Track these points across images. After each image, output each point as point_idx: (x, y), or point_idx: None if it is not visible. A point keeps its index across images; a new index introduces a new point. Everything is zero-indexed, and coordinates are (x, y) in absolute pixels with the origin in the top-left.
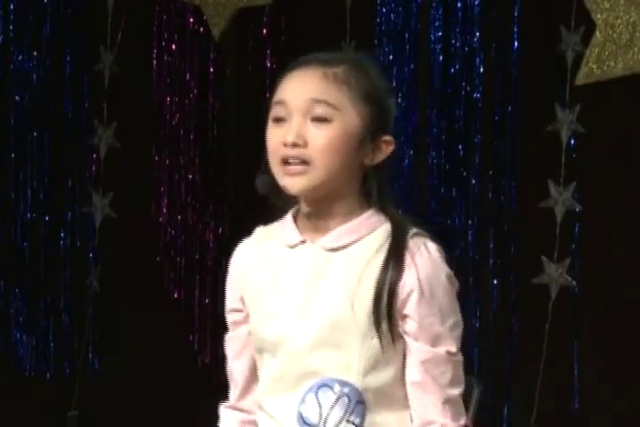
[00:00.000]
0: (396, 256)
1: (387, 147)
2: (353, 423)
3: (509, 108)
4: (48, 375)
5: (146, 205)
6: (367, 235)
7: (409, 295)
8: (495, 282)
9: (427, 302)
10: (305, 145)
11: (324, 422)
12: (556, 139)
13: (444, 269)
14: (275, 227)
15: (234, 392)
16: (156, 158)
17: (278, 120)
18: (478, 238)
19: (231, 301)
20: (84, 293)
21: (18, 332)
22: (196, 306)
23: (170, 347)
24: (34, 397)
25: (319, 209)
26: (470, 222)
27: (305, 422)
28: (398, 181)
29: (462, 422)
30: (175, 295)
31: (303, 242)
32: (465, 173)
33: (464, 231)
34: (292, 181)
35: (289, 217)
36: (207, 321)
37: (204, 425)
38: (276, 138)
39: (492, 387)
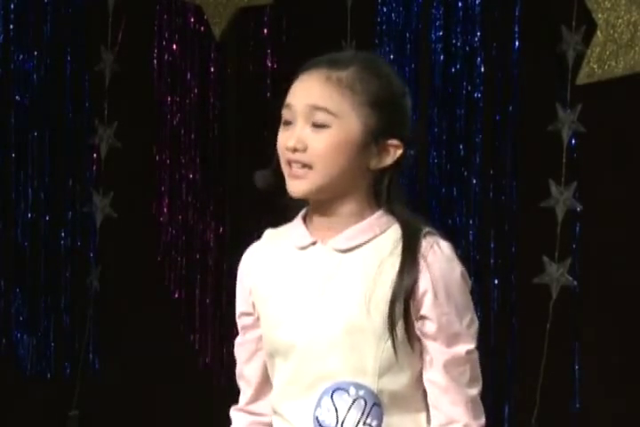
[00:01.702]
0: (409, 257)
1: (395, 151)
2: (370, 426)
3: (510, 108)
4: (49, 375)
5: (147, 204)
6: (378, 236)
7: (424, 296)
8: (496, 282)
9: (443, 301)
10: (305, 150)
11: (341, 425)
12: (557, 138)
13: (457, 267)
14: (284, 229)
15: (244, 395)
16: (157, 158)
17: (286, 123)
18: (479, 238)
19: (241, 304)
20: (84, 293)
21: (18, 332)
22: (197, 306)
23: (170, 347)
24: (34, 396)
25: (327, 210)
26: (471, 222)
27: (321, 425)
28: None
29: (482, 420)
30: (176, 295)
31: (314, 243)
32: (466, 173)
33: (465, 231)
34: (293, 184)
35: (299, 219)
36: (208, 321)
37: (205, 425)
38: (282, 141)
39: (493, 386)
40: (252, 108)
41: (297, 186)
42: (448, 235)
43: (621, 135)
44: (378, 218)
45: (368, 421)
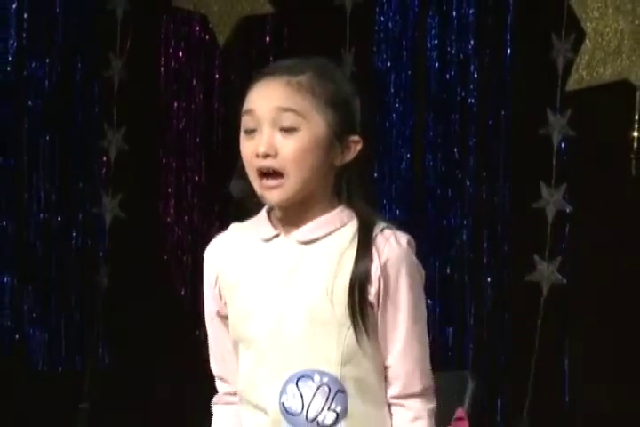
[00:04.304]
0: (364, 248)
1: (355, 146)
2: (334, 411)
3: (503, 113)
4: (60, 369)
5: (154, 205)
6: (339, 228)
7: (378, 286)
8: (489, 280)
9: (392, 292)
10: (275, 155)
11: (307, 411)
12: (548, 142)
13: (410, 260)
14: (249, 222)
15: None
16: (164, 161)
17: (249, 131)
18: (473, 238)
19: (211, 298)
20: (94, 290)
21: (31, 327)
22: (202, 303)
23: (176, 342)
24: (46, 389)
25: (292, 207)
26: (465, 222)
27: (288, 411)
28: (396, 183)
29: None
30: (182, 292)
31: (277, 235)
32: (460, 175)
33: (459, 231)
34: (270, 195)
35: (263, 213)
36: None
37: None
38: (249, 149)
39: (487, 380)
40: None
41: (274, 196)
42: (442, 234)
43: (609, 139)
44: (339, 212)
45: (332, 406)
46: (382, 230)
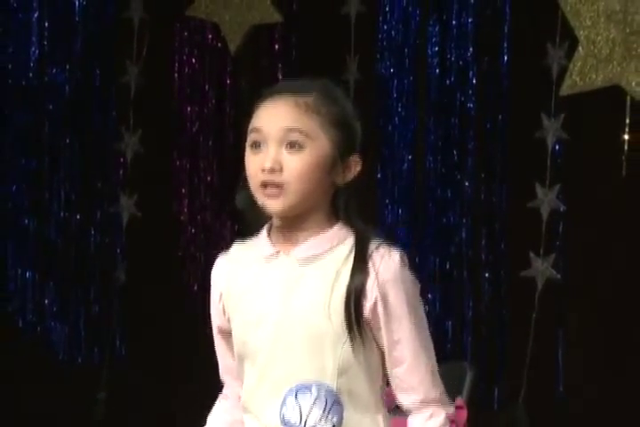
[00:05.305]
0: (360, 263)
1: (355, 166)
2: (331, 422)
3: (500, 117)
4: (79, 360)
5: (168, 205)
6: (337, 246)
7: (374, 301)
8: (487, 275)
9: (393, 307)
10: (281, 170)
11: (304, 423)
12: (543, 145)
13: (405, 274)
14: (251, 242)
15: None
16: (178, 162)
17: (255, 146)
18: (471, 236)
19: (215, 314)
20: (112, 285)
21: (52, 321)
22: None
23: (189, 335)
24: (66, 380)
25: (291, 224)
26: (464, 221)
27: (287, 423)
28: (398, 184)
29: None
30: (195, 288)
31: (277, 253)
32: (459, 176)
33: (458, 229)
34: (271, 203)
35: (263, 232)
36: None
37: None
38: (255, 163)
39: (484, 371)
40: None
41: (275, 204)
42: (441, 233)
43: (601, 141)
44: (337, 230)
45: (329, 417)
46: (378, 247)
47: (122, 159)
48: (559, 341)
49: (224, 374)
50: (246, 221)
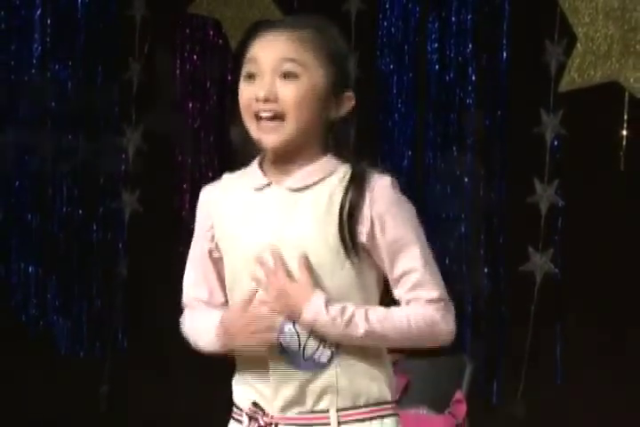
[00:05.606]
0: (353, 189)
1: (349, 101)
2: (329, 349)
3: (499, 113)
4: (81, 354)
5: (170, 200)
6: (329, 176)
7: (371, 225)
8: (486, 270)
9: (391, 229)
10: (275, 100)
11: (304, 349)
12: (541, 140)
13: (399, 199)
14: (241, 172)
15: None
16: (179, 158)
17: (250, 77)
18: (471, 231)
19: (204, 239)
20: (114, 280)
21: (54, 315)
22: None
23: None
24: (69, 373)
25: (284, 157)
26: (463, 216)
27: (286, 350)
28: (398, 179)
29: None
30: None
31: (269, 184)
32: (458, 172)
33: (458, 224)
34: (267, 138)
35: (255, 163)
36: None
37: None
38: (249, 93)
39: (484, 365)
40: None
41: (270, 138)
42: (441, 228)
43: (599, 137)
44: (327, 161)
45: (327, 345)
46: (370, 174)
47: (124, 155)
48: (557, 333)
49: (197, 293)
50: (238, 155)
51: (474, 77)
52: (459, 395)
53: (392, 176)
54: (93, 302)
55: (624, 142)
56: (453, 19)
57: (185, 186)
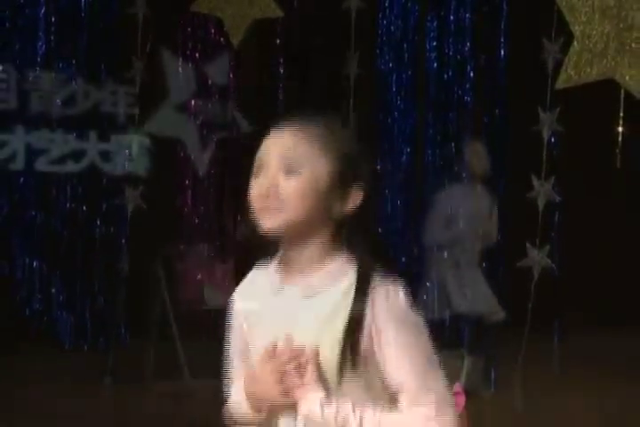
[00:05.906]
0: (359, 299)
1: (355, 197)
2: None
3: (497, 111)
4: (85, 347)
5: (172, 197)
6: (339, 280)
7: (370, 333)
8: (484, 265)
9: (388, 343)
10: (277, 195)
11: None
12: (538, 137)
13: (404, 314)
14: (265, 270)
15: None
16: (181, 155)
17: (255, 173)
18: (469, 227)
19: (239, 339)
20: (116, 275)
21: (59, 310)
22: (217, 287)
23: (190, 323)
24: (73, 366)
25: (295, 253)
26: (461, 212)
27: None
28: (397, 175)
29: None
30: (197, 277)
31: (282, 288)
32: (457, 168)
33: (456, 220)
34: (264, 222)
35: (275, 263)
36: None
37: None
38: (254, 189)
39: (482, 357)
40: (266, 107)
41: (269, 223)
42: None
43: (595, 134)
44: (340, 264)
45: None
46: (379, 284)
47: (127, 152)
48: (554, 326)
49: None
50: (253, 247)
51: (472, 75)
52: (458, 387)
53: (395, 280)
54: (96, 298)
55: (620, 139)
56: (452, 18)
57: (187, 182)
